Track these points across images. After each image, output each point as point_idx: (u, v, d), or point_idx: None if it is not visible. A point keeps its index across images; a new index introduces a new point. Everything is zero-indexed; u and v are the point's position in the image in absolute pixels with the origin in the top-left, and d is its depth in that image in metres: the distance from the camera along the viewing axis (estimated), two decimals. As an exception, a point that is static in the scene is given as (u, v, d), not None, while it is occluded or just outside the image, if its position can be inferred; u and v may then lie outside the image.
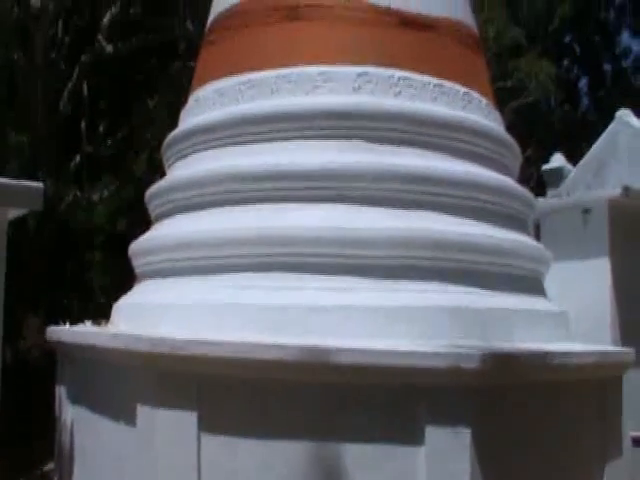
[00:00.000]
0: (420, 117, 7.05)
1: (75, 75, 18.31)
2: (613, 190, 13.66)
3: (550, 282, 8.20)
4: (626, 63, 34.62)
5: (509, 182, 7.69)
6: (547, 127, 27.85)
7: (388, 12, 7.42)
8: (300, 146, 6.89)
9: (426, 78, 7.30)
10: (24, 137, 16.73)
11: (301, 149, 6.86)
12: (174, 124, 8.86)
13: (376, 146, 6.89)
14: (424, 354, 5.39)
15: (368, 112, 6.93)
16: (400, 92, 7.12)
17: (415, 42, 7.45)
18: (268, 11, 7.58)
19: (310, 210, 6.66)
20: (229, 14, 8.08)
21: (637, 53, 34.06)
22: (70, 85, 18.28)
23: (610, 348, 8.76)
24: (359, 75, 7.07)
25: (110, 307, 8.36)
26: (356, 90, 7.04)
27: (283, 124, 7.00)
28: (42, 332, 8.77)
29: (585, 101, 34.77)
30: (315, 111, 6.94)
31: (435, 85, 7.32)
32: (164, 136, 8.79)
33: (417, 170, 6.81)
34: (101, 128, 19.59)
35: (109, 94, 19.67)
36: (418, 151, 7.00)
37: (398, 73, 7.17)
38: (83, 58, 18.36)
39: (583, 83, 35.04)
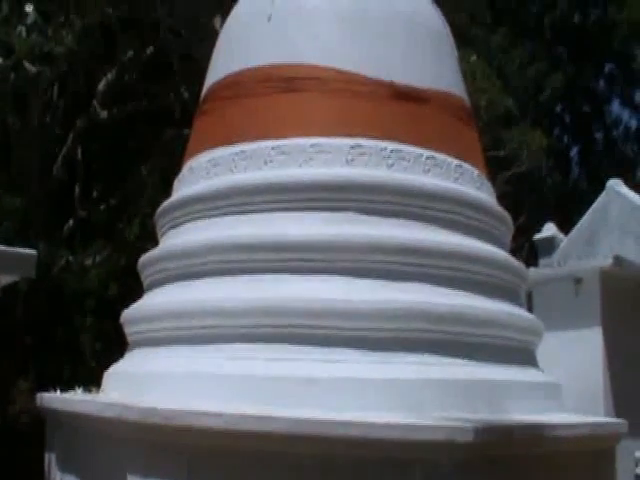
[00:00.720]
0: (412, 189, 7.11)
1: (70, 140, 18.45)
2: (605, 260, 13.76)
3: (542, 351, 8.21)
4: (617, 132, 34.99)
5: (501, 254, 7.73)
6: (539, 196, 28.08)
7: (381, 84, 7.52)
8: (293, 217, 6.93)
9: (419, 150, 7.38)
10: (17, 200, 16.78)
11: (294, 220, 6.91)
12: (167, 191, 8.93)
13: (369, 218, 6.94)
14: (417, 427, 5.37)
15: (361, 184, 6.98)
16: (393, 164, 7.20)
17: (408, 114, 7.54)
18: (261, 82, 7.68)
19: (302, 282, 6.67)
20: (223, 85, 8.19)
21: (627, 122, 34.39)
22: (64, 150, 18.40)
23: (603, 419, 8.74)
24: (352, 147, 7.15)
25: (101, 372, 8.34)
26: (349, 162, 7.11)
27: (276, 195, 7.06)
28: (32, 397, 8.73)
29: (576, 170, 35.08)
30: (308, 183, 6.99)
31: (427, 157, 7.39)
32: (157, 202, 8.84)
33: (409, 242, 6.85)
34: (95, 193, 19.69)
35: (103, 159, 19.80)
36: (410, 223, 7.05)
37: (391, 145, 7.25)
38: (78, 123, 18.51)
39: (574, 152, 35.39)
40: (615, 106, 34.50)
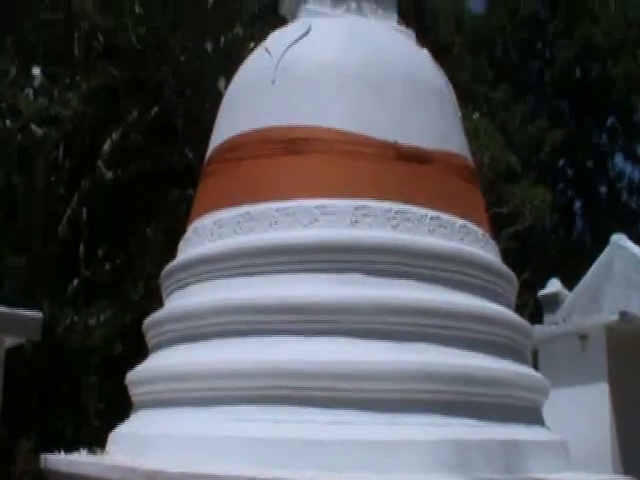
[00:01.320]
0: (417, 250, 7.14)
1: (74, 200, 18.53)
2: (610, 316, 13.71)
3: (549, 409, 8.18)
4: (620, 185, 35.08)
5: (506, 313, 7.74)
6: (543, 251, 28.09)
7: (385, 145, 7.59)
8: (299, 279, 6.95)
9: (423, 211, 7.43)
10: (22, 259, 16.84)
11: (300, 282, 6.93)
12: (172, 251, 8.96)
13: (374, 279, 6.96)
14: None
15: (366, 246, 7.01)
16: (397, 225, 7.23)
17: (412, 175, 7.60)
18: (266, 144, 7.75)
19: (308, 343, 6.68)
20: (227, 146, 8.27)
21: (631, 175, 34.50)
22: (69, 209, 18.48)
23: (611, 477, 8.68)
24: (357, 208, 7.19)
25: (104, 431, 8.30)
26: (354, 223, 7.15)
27: (281, 257, 7.08)
28: (34, 457, 8.66)
29: (580, 224, 35.11)
30: (313, 244, 7.03)
31: (432, 218, 7.43)
32: (162, 262, 8.87)
33: (414, 303, 6.86)
34: (99, 253, 19.72)
35: (108, 219, 19.85)
36: (415, 283, 7.06)
37: (395, 206, 7.30)
38: (83, 183, 18.60)
39: (577, 206, 35.45)
40: (618, 159, 34.55)
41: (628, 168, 35.03)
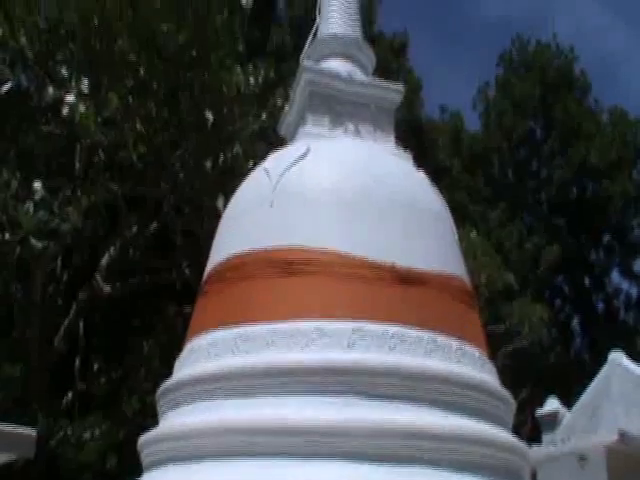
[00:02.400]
0: (414, 372, 7.14)
1: (72, 312, 18.53)
2: (609, 435, 13.60)
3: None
4: (617, 302, 35.10)
5: (503, 435, 7.69)
6: (541, 369, 27.94)
7: (382, 268, 7.65)
8: (295, 401, 6.93)
9: (420, 333, 7.44)
10: (17, 369, 16.74)
11: (296, 404, 6.90)
12: (168, 367, 8.94)
13: (370, 402, 6.95)
14: None
15: (362, 369, 7.01)
16: (394, 347, 7.24)
17: (409, 297, 7.64)
18: (263, 265, 7.82)
19: (304, 466, 6.61)
20: (225, 267, 8.33)
21: (628, 292, 34.58)
22: (66, 322, 18.46)
23: None
24: (354, 331, 7.21)
25: None
26: (351, 346, 7.15)
27: (277, 379, 7.07)
28: None
29: (578, 341, 35.02)
30: (309, 367, 7.02)
31: (429, 340, 7.45)
32: (157, 378, 8.84)
33: (411, 426, 6.84)
34: (95, 366, 19.63)
35: (105, 333, 19.84)
36: (413, 406, 7.05)
37: (392, 328, 7.32)
38: (80, 296, 18.63)
39: (575, 323, 35.40)
40: (615, 276, 34.68)
41: (625, 285, 35.15)
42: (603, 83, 59.49)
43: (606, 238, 34.91)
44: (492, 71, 35.79)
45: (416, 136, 25.56)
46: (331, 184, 8.18)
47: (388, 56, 26.07)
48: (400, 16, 35.02)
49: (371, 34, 24.84)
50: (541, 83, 33.56)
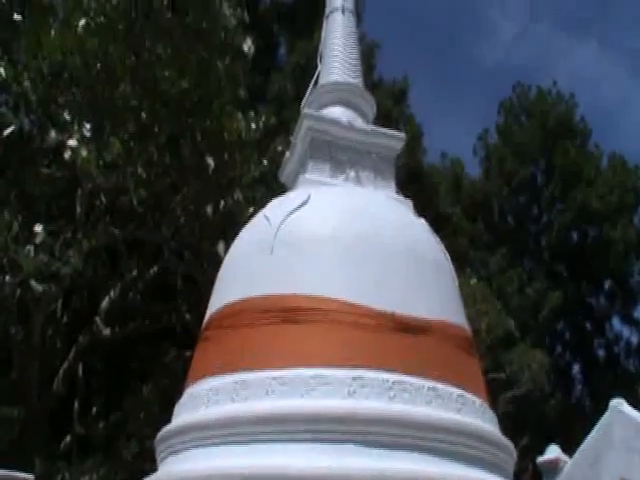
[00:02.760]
0: (415, 421, 7.12)
1: (71, 355, 18.51)
2: (610, 483, 13.50)
3: None
4: (618, 348, 35.03)
5: (504, 485, 7.66)
6: (541, 416, 27.82)
7: (383, 316, 7.66)
8: (294, 449, 6.90)
9: (420, 381, 7.43)
10: (16, 411, 16.67)
11: (295, 452, 6.87)
12: (167, 411, 8.91)
13: (371, 450, 6.92)
14: None
15: (362, 417, 6.99)
16: (395, 396, 7.22)
17: (409, 345, 7.63)
18: (263, 313, 7.82)
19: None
20: (225, 313, 8.33)
21: (629, 338, 34.52)
22: (66, 364, 18.43)
23: None
24: (354, 379, 7.20)
25: None
26: (351, 394, 7.14)
27: (277, 426, 7.04)
28: None
29: (579, 387, 34.89)
30: (309, 414, 7.00)
31: (429, 388, 7.43)
32: (156, 423, 8.80)
33: (412, 475, 6.80)
34: (94, 410, 19.58)
35: (104, 376, 19.82)
36: (413, 455, 7.02)
37: (392, 377, 7.31)
38: (80, 339, 18.61)
39: (576, 369, 35.32)
40: (616, 322, 34.63)
41: (626, 331, 35.05)
42: (603, 130, 59.92)
43: (607, 284, 34.92)
44: (493, 117, 36.09)
45: (417, 182, 25.68)
46: (332, 232, 8.21)
47: (388, 102, 26.22)
48: (400, 62, 35.34)
49: (371, 80, 25.01)
50: (542, 129, 33.80)
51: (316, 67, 11.41)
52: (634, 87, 61.72)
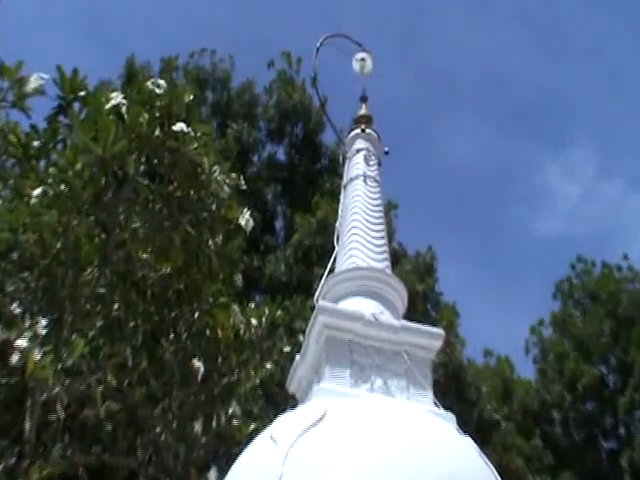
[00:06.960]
0: None
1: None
2: None
3: None
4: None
5: None
6: None
7: None
8: None
9: None
10: None
11: None
12: None
13: None
14: None
15: None
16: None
17: None
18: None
19: None
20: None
21: None
22: None
23: None
24: None
25: None
26: None
27: None
28: None
29: None
30: None
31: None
32: None
33: None
34: None
35: None
36: None
37: None
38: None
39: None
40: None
41: None
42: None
43: None
44: (547, 303, 36.06)
45: (454, 383, 25.56)
46: (352, 458, 8.16)
47: (411, 277, 26.02)
48: (422, 229, 35.34)
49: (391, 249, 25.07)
50: (611, 316, 33.58)
51: (332, 248, 11.50)
52: None
